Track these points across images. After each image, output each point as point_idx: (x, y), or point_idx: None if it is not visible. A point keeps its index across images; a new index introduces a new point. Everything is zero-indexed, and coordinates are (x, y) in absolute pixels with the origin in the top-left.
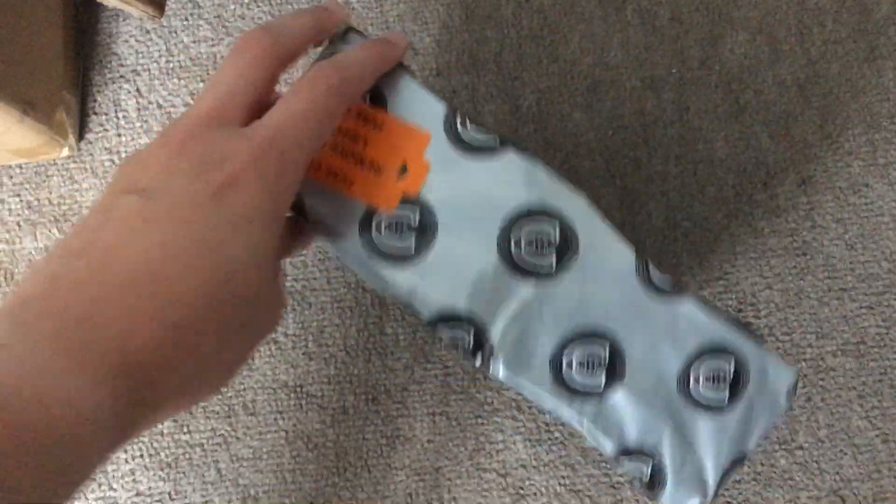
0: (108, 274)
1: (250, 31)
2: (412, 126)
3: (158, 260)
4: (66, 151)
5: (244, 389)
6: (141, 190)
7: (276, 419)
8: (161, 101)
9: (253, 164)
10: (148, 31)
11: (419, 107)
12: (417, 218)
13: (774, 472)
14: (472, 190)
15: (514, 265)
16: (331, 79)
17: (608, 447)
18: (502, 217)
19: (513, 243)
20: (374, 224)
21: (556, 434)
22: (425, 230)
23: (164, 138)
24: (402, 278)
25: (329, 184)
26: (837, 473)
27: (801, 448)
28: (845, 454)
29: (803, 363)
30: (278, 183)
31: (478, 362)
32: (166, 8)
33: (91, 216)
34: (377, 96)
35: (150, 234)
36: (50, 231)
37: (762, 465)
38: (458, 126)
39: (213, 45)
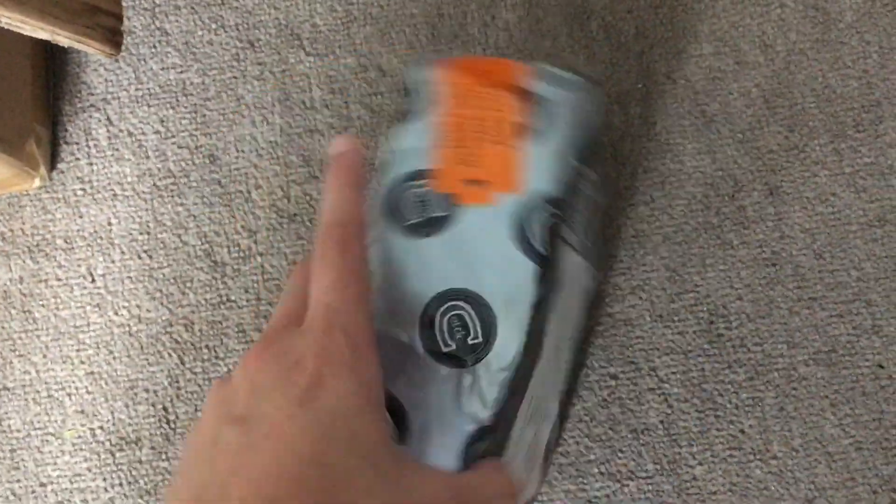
0: None
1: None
2: None
3: (269, 485)
4: (37, 182)
5: None
6: (237, 419)
7: None
8: (132, 129)
9: (324, 355)
10: (117, 60)
11: None
12: None
13: (750, 483)
14: None
15: None
16: (335, 238)
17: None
18: None
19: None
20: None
21: None
22: None
23: (244, 356)
24: None
25: None
26: (812, 482)
27: (775, 458)
28: (819, 463)
29: (776, 373)
30: (356, 360)
31: None
32: (135, 35)
33: (201, 446)
34: None
35: (257, 463)
36: (24, 262)
37: (737, 475)
38: None
39: (181, 72)
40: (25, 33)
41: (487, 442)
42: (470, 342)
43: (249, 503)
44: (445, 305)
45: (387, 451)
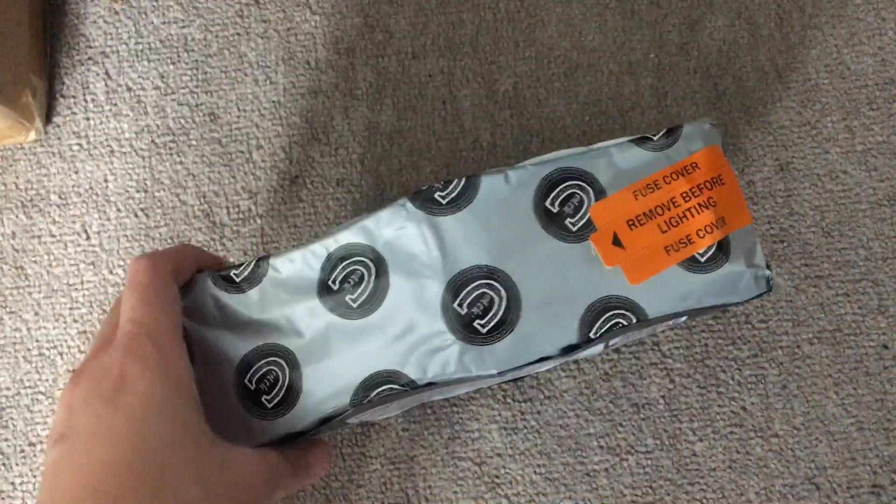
0: None
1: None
2: None
3: (85, 490)
4: (32, 135)
5: None
6: (55, 440)
7: None
8: (130, 84)
9: (128, 358)
10: (117, 13)
11: None
12: None
13: (749, 460)
14: None
15: None
16: (140, 267)
17: None
18: None
19: None
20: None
21: (532, 422)
22: None
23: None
24: None
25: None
26: (812, 461)
27: (776, 436)
28: (820, 442)
29: (780, 351)
30: (162, 359)
31: None
32: None
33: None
34: None
35: (70, 474)
36: (17, 217)
37: (738, 452)
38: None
39: (183, 27)
40: None
41: None
42: None
43: None
44: None
45: (202, 431)
